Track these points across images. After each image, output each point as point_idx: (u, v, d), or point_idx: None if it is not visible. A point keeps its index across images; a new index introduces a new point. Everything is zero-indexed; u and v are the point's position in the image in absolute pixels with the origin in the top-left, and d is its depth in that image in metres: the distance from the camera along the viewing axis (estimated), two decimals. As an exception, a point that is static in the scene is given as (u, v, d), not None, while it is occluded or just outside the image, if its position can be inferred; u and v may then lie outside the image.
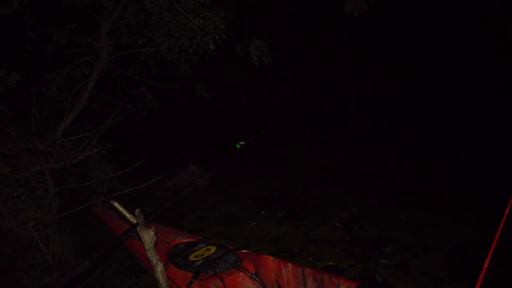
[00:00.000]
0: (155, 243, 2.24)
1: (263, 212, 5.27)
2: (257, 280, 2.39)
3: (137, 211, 2.12)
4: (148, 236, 2.18)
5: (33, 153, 3.58)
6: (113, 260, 3.87)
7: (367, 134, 9.12)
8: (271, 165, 7.44)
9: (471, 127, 8.51)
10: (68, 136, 3.88)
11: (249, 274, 2.40)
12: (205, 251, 2.81)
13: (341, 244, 4.29)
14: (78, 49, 4.12)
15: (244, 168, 7.00)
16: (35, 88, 3.69)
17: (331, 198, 5.67)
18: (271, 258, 2.51)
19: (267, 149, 7.82)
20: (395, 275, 3.67)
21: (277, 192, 6.06)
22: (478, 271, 1.61)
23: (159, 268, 2.24)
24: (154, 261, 2.23)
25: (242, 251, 2.77)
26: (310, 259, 4.01)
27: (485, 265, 1.62)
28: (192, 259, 2.73)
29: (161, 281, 2.25)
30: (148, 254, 2.22)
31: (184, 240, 3.01)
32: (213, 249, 2.82)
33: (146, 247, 2.20)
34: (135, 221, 2.10)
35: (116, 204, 2.07)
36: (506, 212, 1.77)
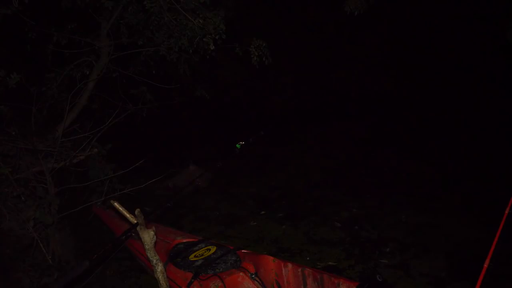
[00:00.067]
0: (155, 243, 2.24)
1: (263, 212, 5.27)
2: (257, 280, 2.39)
3: (137, 211, 2.12)
4: (148, 236, 2.18)
5: (33, 153, 3.58)
6: (113, 260, 3.87)
7: (367, 134, 9.11)
8: (271, 165, 7.43)
9: (471, 127, 8.51)
10: (68, 136, 3.88)
11: (249, 274, 2.41)
12: (205, 251, 2.81)
13: (341, 244, 4.29)
14: (78, 49, 4.12)
15: (244, 168, 7.00)
16: (35, 88, 3.69)
17: (331, 198, 5.67)
18: (271, 258, 2.51)
19: (267, 149, 7.81)
20: (395, 275, 3.67)
21: (277, 192, 6.06)
22: (478, 271, 1.61)
23: (159, 268, 2.24)
24: (154, 261, 2.23)
25: (242, 251, 2.77)
26: (308, 258, 4.01)
27: (485, 265, 1.62)
28: (192, 259, 2.73)
29: (161, 281, 2.25)
30: (148, 254, 2.22)
31: (184, 240, 3.02)
32: (213, 249, 2.82)
33: (146, 247, 2.20)
34: (135, 221, 2.11)
35: (116, 204, 2.07)
36: (506, 212, 1.77)
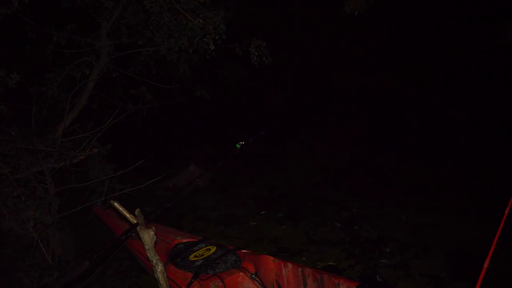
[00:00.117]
0: (155, 243, 2.24)
1: (263, 212, 5.27)
2: (257, 280, 2.39)
3: (137, 211, 2.12)
4: (148, 236, 2.18)
5: (33, 153, 3.58)
6: (113, 260, 3.87)
7: (367, 134, 9.11)
8: (271, 165, 7.43)
9: (471, 127, 8.51)
10: (68, 136, 3.88)
11: (249, 274, 2.41)
12: (205, 251, 2.81)
13: (341, 244, 4.29)
14: (78, 49, 4.12)
15: (244, 168, 7.00)
16: (35, 88, 3.70)
17: (331, 198, 5.67)
18: (271, 258, 2.51)
19: (267, 149, 7.81)
20: (395, 275, 3.67)
21: (277, 192, 6.06)
22: (478, 271, 1.61)
23: (159, 268, 2.24)
24: (154, 261, 2.23)
25: (242, 251, 2.77)
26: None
27: (485, 265, 1.62)
28: (192, 259, 2.73)
29: (161, 281, 2.25)
30: (148, 254, 2.22)
31: (184, 240, 3.02)
32: (213, 249, 2.82)
33: (146, 247, 2.20)
34: (135, 221, 2.10)
35: (116, 204, 2.07)
36: (506, 212, 1.77)
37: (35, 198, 3.41)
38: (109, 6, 3.83)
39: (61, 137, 3.67)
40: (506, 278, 3.39)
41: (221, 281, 2.35)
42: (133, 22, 4.19)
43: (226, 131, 8.88)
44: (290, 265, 2.50)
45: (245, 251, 2.78)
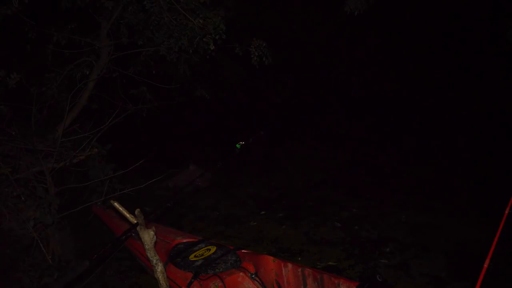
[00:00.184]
0: (155, 243, 2.24)
1: (263, 212, 5.27)
2: (257, 280, 2.39)
3: (137, 211, 2.12)
4: (148, 236, 2.18)
5: (33, 153, 3.59)
6: (113, 260, 3.87)
7: (367, 134, 9.12)
8: (271, 165, 7.43)
9: (471, 127, 8.51)
10: (68, 136, 3.88)
11: (249, 274, 2.41)
12: (205, 251, 2.81)
13: (341, 244, 4.29)
14: (78, 49, 4.13)
15: (244, 168, 7.00)
16: (35, 88, 3.70)
17: (331, 198, 5.67)
18: (271, 258, 2.51)
19: (267, 149, 7.81)
20: (395, 275, 3.67)
21: (277, 192, 6.06)
22: (478, 271, 1.62)
23: (159, 268, 2.24)
24: (154, 261, 2.23)
25: (242, 251, 2.77)
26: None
27: (485, 265, 1.62)
28: (192, 259, 2.73)
29: (161, 281, 2.25)
30: (148, 254, 2.22)
31: (184, 240, 3.02)
32: (213, 249, 2.82)
33: (146, 247, 2.20)
34: (135, 221, 2.11)
35: (116, 204, 2.07)
36: (506, 212, 1.77)
37: (35, 198, 3.41)
38: (109, 6, 3.83)
39: (61, 137, 3.67)
40: (506, 278, 3.39)
41: (221, 281, 2.35)
42: (133, 22, 4.19)
43: (226, 131, 8.88)
44: (290, 265, 2.50)
45: (245, 251, 2.78)
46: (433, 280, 3.60)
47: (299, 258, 4.01)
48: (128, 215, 2.10)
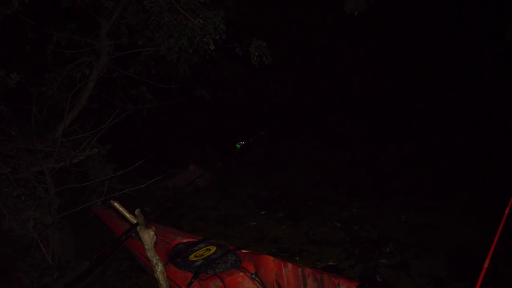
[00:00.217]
0: (155, 243, 2.24)
1: (263, 212, 5.27)
2: (257, 280, 2.39)
3: (137, 211, 2.12)
4: (148, 236, 2.18)
5: (33, 153, 3.58)
6: (113, 260, 3.87)
7: (367, 134, 9.12)
8: (271, 165, 7.43)
9: (471, 127, 8.51)
10: (68, 136, 3.88)
11: (249, 274, 2.41)
12: (205, 251, 2.81)
13: (341, 244, 4.29)
14: (78, 49, 4.12)
15: (244, 168, 7.00)
16: (35, 88, 3.70)
17: (331, 198, 5.67)
18: (271, 258, 2.51)
19: (267, 149, 7.81)
20: (395, 275, 3.67)
21: (277, 192, 6.06)
22: (478, 271, 1.62)
23: (159, 268, 2.24)
24: (154, 261, 2.23)
25: (242, 251, 2.77)
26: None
27: (485, 265, 1.62)
28: (192, 259, 2.73)
29: (161, 281, 2.25)
30: (148, 254, 2.22)
31: (184, 240, 3.02)
32: (213, 249, 2.82)
33: (146, 247, 2.20)
34: (135, 221, 2.10)
35: (116, 204, 2.07)
36: (506, 212, 1.77)
37: (35, 198, 3.41)
38: (109, 6, 3.83)
39: (61, 137, 3.67)
40: (506, 278, 3.39)
41: (221, 281, 2.35)
42: (133, 22, 4.19)
43: (226, 131, 8.88)
44: (290, 265, 2.50)
45: (245, 251, 2.78)
46: (433, 280, 3.60)
47: (299, 258, 4.01)
48: (128, 215, 2.10)
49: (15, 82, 3.28)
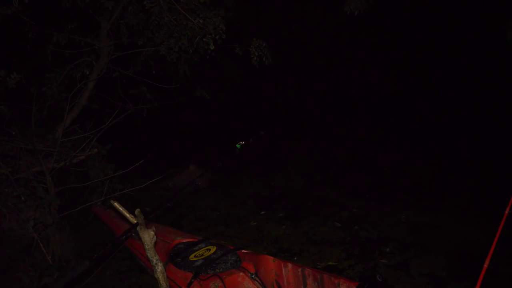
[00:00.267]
0: (155, 243, 2.24)
1: (263, 212, 5.27)
2: (257, 280, 2.39)
3: (137, 211, 2.12)
4: (148, 236, 2.18)
5: (33, 153, 3.58)
6: (113, 260, 3.87)
7: (367, 133, 9.12)
8: (271, 165, 7.43)
9: (471, 127, 8.51)
10: (68, 136, 3.88)
11: (249, 274, 2.41)
12: (205, 251, 2.81)
13: (341, 244, 4.29)
14: (78, 49, 4.12)
15: (244, 168, 7.00)
16: (35, 88, 3.70)
17: (331, 198, 5.67)
18: (271, 258, 2.51)
19: (267, 149, 7.82)
20: (395, 275, 3.67)
21: (277, 192, 6.06)
22: (478, 271, 1.62)
23: (159, 268, 2.24)
24: (154, 261, 2.23)
25: (242, 251, 2.77)
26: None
27: (485, 265, 1.62)
28: (192, 259, 2.73)
29: (161, 281, 2.25)
30: (148, 254, 2.22)
31: (184, 240, 3.02)
32: (213, 249, 2.82)
33: (146, 247, 2.20)
34: (135, 221, 2.10)
35: (116, 204, 2.07)
36: (506, 212, 1.77)
37: (35, 198, 3.41)
38: (109, 6, 3.84)
39: (61, 137, 3.67)
40: (506, 278, 3.39)
41: (221, 281, 2.35)
42: (133, 22, 4.19)
43: (226, 131, 8.88)
44: (290, 265, 2.50)
45: (245, 251, 2.78)
46: (433, 280, 3.60)
47: (299, 258, 4.01)
48: (128, 215, 2.10)
49: (15, 82, 3.28)
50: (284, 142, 8.58)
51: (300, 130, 9.52)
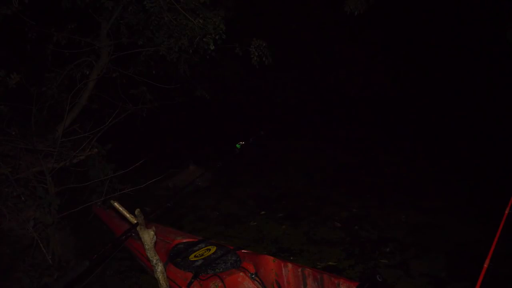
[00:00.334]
0: (155, 243, 2.24)
1: (263, 212, 5.27)
2: (257, 280, 2.39)
3: (137, 211, 2.12)
4: (148, 236, 2.18)
5: (33, 153, 3.58)
6: (113, 260, 3.87)
7: (367, 133, 9.12)
8: (271, 165, 7.43)
9: (471, 127, 8.51)
10: (68, 136, 3.88)
11: (249, 274, 2.41)
12: (205, 251, 2.81)
13: (341, 244, 4.29)
14: (78, 49, 4.12)
15: (244, 168, 7.00)
16: (35, 88, 3.69)
17: (331, 198, 5.67)
18: (271, 258, 2.51)
19: (267, 148, 7.81)
20: (395, 275, 3.67)
21: (277, 192, 6.06)
22: (478, 271, 1.61)
23: (159, 268, 2.24)
24: (154, 261, 2.23)
25: (242, 251, 2.77)
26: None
27: (485, 265, 1.62)
28: (192, 259, 2.73)
29: (161, 281, 2.25)
30: (148, 254, 2.22)
31: (184, 240, 3.02)
32: (213, 249, 2.82)
33: (146, 247, 2.20)
34: (135, 221, 2.10)
35: (116, 204, 2.07)
36: (506, 212, 1.77)
37: (35, 198, 3.41)
38: (109, 6, 3.83)
39: (61, 137, 3.67)
40: (506, 278, 3.39)
41: (221, 281, 2.36)
42: (133, 22, 4.19)
43: (226, 131, 8.89)
44: (290, 265, 2.50)
45: (245, 251, 2.78)
46: (433, 280, 3.60)
47: (299, 258, 4.01)
48: (128, 215, 2.10)
49: (15, 82, 3.28)
50: (284, 142, 8.58)
51: (300, 130, 9.53)
